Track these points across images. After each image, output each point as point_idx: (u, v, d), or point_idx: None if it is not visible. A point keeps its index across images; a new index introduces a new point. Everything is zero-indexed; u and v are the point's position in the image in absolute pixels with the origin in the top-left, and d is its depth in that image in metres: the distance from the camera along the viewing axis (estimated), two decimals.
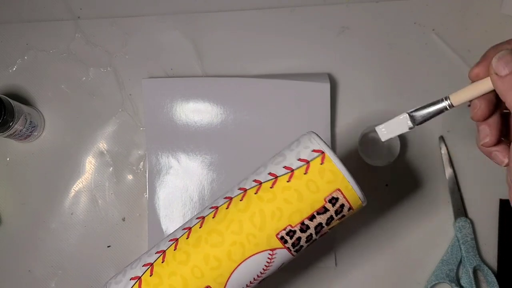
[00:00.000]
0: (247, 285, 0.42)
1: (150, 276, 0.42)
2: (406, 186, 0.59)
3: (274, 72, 0.60)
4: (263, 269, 0.41)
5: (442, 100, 0.37)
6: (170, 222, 0.58)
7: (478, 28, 0.60)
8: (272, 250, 0.41)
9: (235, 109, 0.58)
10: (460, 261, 0.57)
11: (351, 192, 0.40)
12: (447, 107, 0.36)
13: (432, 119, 0.38)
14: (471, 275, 0.56)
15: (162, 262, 0.42)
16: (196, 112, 0.58)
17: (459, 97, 0.35)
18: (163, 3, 0.61)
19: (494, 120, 0.34)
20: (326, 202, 0.40)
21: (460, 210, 0.58)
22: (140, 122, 0.60)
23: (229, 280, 0.41)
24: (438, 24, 0.60)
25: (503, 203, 0.58)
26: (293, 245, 0.41)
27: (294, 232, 0.40)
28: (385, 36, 0.60)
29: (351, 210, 0.41)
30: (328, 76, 0.58)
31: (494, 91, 0.34)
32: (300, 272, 0.58)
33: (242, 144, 0.58)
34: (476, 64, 0.35)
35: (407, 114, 0.39)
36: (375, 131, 0.57)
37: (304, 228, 0.40)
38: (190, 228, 0.43)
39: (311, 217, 0.40)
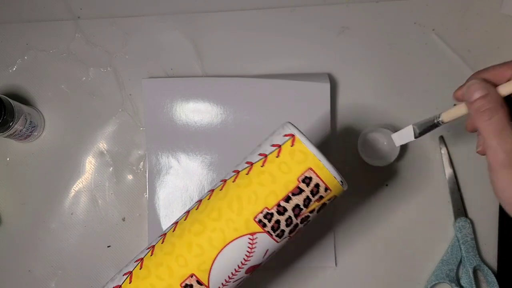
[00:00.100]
0: (232, 273, 0.42)
1: (140, 269, 0.44)
2: (406, 186, 0.59)
3: (274, 72, 0.60)
4: (246, 255, 0.41)
5: (436, 117, 0.43)
6: (170, 222, 0.58)
7: (478, 28, 0.60)
8: (252, 234, 0.41)
9: (235, 109, 0.58)
10: (460, 261, 0.57)
11: (323, 170, 0.40)
12: (440, 123, 0.43)
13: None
14: (471, 275, 0.56)
15: (151, 255, 0.44)
16: (196, 112, 0.58)
17: (448, 115, 0.41)
18: (163, 3, 0.61)
19: None
20: (299, 182, 0.40)
21: (460, 210, 0.58)
22: (140, 122, 0.60)
23: (212, 267, 0.42)
24: (438, 24, 0.60)
25: None
26: (273, 228, 0.41)
27: (272, 214, 0.41)
28: (385, 36, 0.60)
29: (328, 191, 0.41)
30: (328, 76, 0.58)
31: None
32: (300, 272, 0.59)
33: (242, 144, 0.58)
34: (458, 88, 0.40)
35: (412, 126, 0.45)
36: (375, 131, 0.58)
37: (281, 210, 0.41)
38: (176, 223, 0.45)
39: (287, 198, 0.41)
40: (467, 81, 0.39)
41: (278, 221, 0.41)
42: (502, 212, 0.58)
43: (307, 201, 0.41)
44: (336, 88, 0.59)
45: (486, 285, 0.57)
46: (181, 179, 0.59)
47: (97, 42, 0.61)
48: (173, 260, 0.42)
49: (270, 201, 0.41)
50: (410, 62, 0.60)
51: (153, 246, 0.45)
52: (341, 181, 0.41)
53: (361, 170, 0.59)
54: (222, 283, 0.42)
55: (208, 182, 0.58)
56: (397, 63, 0.60)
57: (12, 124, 0.54)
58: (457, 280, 0.57)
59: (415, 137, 0.45)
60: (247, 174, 0.42)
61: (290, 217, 0.41)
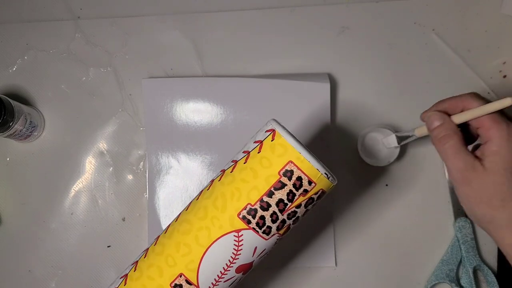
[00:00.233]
0: (221, 272, 0.42)
1: (134, 271, 0.44)
2: (406, 186, 0.59)
3: (274, 72, 0.60)
4: (233, 253, 0.41)
5: (411, 131, 0.50)
6: (170, 222, 0.58)
7: (478, 28, 0.60)
8: (237, 231, 0.41)
9: (235, 109, 0.58)
10: (460, 261, 0.57)
11: (304, 162, 0.40)
12: (414, 136, 0.50)
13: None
14: (471, 275, 0.56)
15: (144, 258, 0.45)
16: (196, 112, 0.58)
17: (419, 131, 0.48)
18: (163, 3, 0.61)
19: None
20: (281, 176, 0.40)
21: (460, 210, 0.58)
22: (140, 122, 0.60)
23: (200, 266, 0.41)
24: (438, 24, 0.60)
25: None
26: (258, 225, 0.41)
27: (255, 210, 0.40)
28: (385, 36, 0.60)
29: (313, 184, 0.40)
30: (328, 76, 0.58)
31: None
32: (300, 272, 0.59)
33: (242, 144, 0.58)
34: (425, 111, 0.46)
35: (395, 135, 0.54)
36: (375, 131, 0.58)
37: (264, 205, 0.40)
38: (169, 225, 0.45)
39: (269, 193, 0.40)
40: (432, 107, 0.46)
41: (262, 217, 0.41)
42: None
43: (290, 195, 0.40)
44: (336, 88, 0.59)
45: (486, 285, 0.57)
46: (181, 179, 0.59)
47: (97, 42, 0.61)
48: (163, 261, 0.43)
49: (253, 197, 0.40)
50: (410, 62, 0.60)
51: (147, 249, 0.46)
52: (326, 174, 0.40)
53: (361, 170, 0.59)
54: (212, 283, 0.42)
55: (208, 182, 0.58)
56: (397, 63, 0.60)
57: (12, 124, 0.54)
58: (457, 280, 0.57)
59: (399, 144, 0.54)
60: (231, 172, 0.42)
61: (275, 212, 0.41)
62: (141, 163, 0.60)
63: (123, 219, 0.59)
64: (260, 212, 0.40)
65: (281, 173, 0.40)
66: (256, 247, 0.42)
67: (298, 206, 0.41)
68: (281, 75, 0.59)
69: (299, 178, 0.40)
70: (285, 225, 0.42)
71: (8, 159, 0.60)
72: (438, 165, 0.59)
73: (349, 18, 0.60)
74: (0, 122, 0.52)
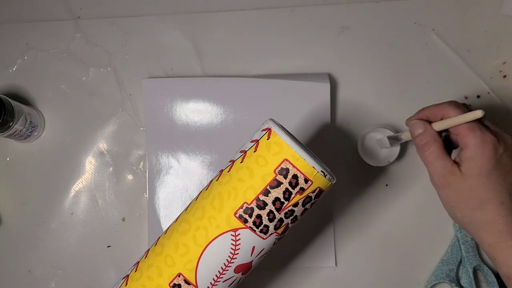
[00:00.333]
0: (219, 272, 0.42)
1: (135, 272, 0.45)
2: (406, 186, 0.59)
3: (274, 72, 0.60)
4: (231, 253, 0.41)
5: (400, 135, 0.52)
6: (170, 222, 0.58)
7: (478, 28, 0.60)
8: (234, 230, 0.41)
9: (235, 109, 0.58)
10: (460, 261, 0.57)
11: (300, 160, 0.40)
12: (401, 139, 0.53)
13: None
14: (471, 275, 0.56)
15: (145, 258, 0.45)
16: (196, 112, 0.58)
17: (405, 136, 0.50)
18: (163, 3, 0.61)
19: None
20: (276, 174, 0.40)
21: None
22: (140, 122, 0.60)
23: (198, 266, 0.41)
24: (438, 24, 0.60)
25: None
26: (255, 224, 0.41)
27: (252, 209, 0.40)
28: (385, 36, 0.60)
29: (309, 182, 0.40)
30: (328, 76, 0.58)
31: None
32: (300, 272, 0.59)
33: (242, 144, 0.58)
34: (410, 117, 0.48)
35: (386, 137, 0.55)
36: (375, 131, 0.58)
37: (260, 204, 0.40)
38: (169, 226, 0.45)
39: (265, 192, 0.40)
40: (415, 114, 0.48)
41: (259, 216, 0.40)
42: None
43: (287, 193, 0.40)
44: (336, 88, 0.59)
45: (486, 285, 0.57)
46: (181, 179, 0.59)
47: (97, 42, 0.61)
48: (162, 261, 0.43)
49: (249, 196, 0.40)
50: (410, 62, 0.60)
51: (148, 250, 0.46)
52: (323, 172, 0.40)
53: (361, 170, 0.59)
54: (211, 283, 0.42)
55: (208, 182, 0.58)
56: (397, 63, 0.60)
57: (12, 124, 0.54)
58: (457, 280, 0.57)
59: (390, 146, 0.55)
60: (228, 171, 0.42)
61: (271, 211, 0.40)
62: (141, 163, 0.60)
63: (123, 219, 0.59)
64: (256, 211, 0.40)
65: (277, 171, 0.40)
66: (254, 247, 0.42)
67: (296, 205, 0.41)
68: (281, 75, 0.59)
69: (295, 176, 0.40)
70: (283, 224, 0.41)
71: (8, 159, 0.60)
72: None
73: (349, 18, 0.60)
74: (0, 122, 0.52)
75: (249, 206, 0.40)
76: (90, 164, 0.60)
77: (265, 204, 0.40)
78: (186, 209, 0.45)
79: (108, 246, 0.59)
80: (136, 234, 0.59)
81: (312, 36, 0.60)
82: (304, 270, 0.59)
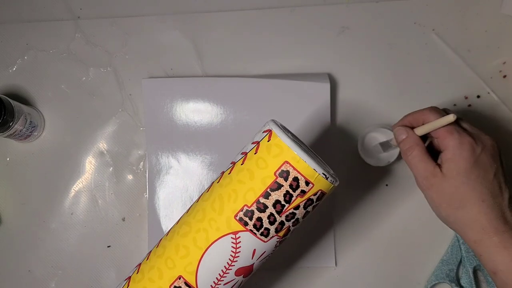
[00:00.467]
0: (220, 274, 0.42)
1: (137, 273, 0.45)
2: (406, 186, 0.59)
3: (274, 72, 0.60)
4: (231, 255, 0.41)
5: (390, 140, 0.54)
6: (170, 222, 0.58)
7: (478, 28, 0.60)
8: (234, 233, 0.41)
9: (235, 109, 0.58)
10: (460, 261, 0.57)
11: (300, 163, 0.39)
12: (392, 145, 0.54)
13: None
14: (471, 275, 0.56)
15: (147, 260, 0.45)
16: (196, 112, 0.58)
17: (394, 141, 0.52)
18: (163, 3, 0.61)
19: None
20: (277, 176, 0.39)
21: None
22: (140, 122, 0.60)
23: (199, 269, 0.41)
24: (438, 24, 0.60)
25: None
26: (255, 227, 0.40)
27: (252, 212, 0.40)
28: (385, 36, 0.60)
29: (310, 185, 0.40)
30: (328, 76, 0.58)
31: None
32: (300, 272, 0.59)
33: (242, 144, 0.58)
34: (396, 123, 0.51)
35: (378, 144, 0.57)
36: (375, 131, 0.58)
37: (261, 206, 0.40)
38: (171, 228, 0.45)
39: (266, 195, 0.40)
40: (400, 121, 0.51)
41: (260, 219, 0.40)
42: None
43: (288, 196, 0.40)
44: (336, 88, 0.59)
45: (486, 285, 0.57)
46: (181, 179, 0.59)
47: (97, 42, 0.61)
48: (163, 263, 0.43)
49: (249, 198, 0.40)
50: (410, 62, 0.60)
51: (150, 252, 0.46)
52: (324, 174, 0.40)
53: (361, 170, 0.59)
54: (211, 285, 0.42)
55: (208, 182, 0.58)
56: (397, 63, 0.60)
57: (12, 124, 0.54)
58: (457, 280, 0.57)
59: (384, 152, 0.57)
60: (229, 173, 0.42)
61: (272, 214, 0.40)
62: (141, 163, 0.60)
63: (123, 219, 0.59)
64: (257, 214, 0.40)
65: (277, 173, 0.39)
66: (255, 250, 0.41)
67: (297, 208, 0.41)
68: (281, 75, 0.59)
69: (296, 179, 0.39)
70: (284, 227, 0.41)
71: (8, 159, 0.60)
72: None
73: (349, 18, 0.60)
74: (0, 122, 0.52)
75: (249, 209, 0.40)
76: (90, 164, 0.60)
77: (266, 207, 0.40)
78: (188, 211, 0.45)
79: (108, 246, 0.59)
80: (136, 234, 0.59)
81: (312, 36, 0.60)
82: (304, 270, 0.59)
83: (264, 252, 0.42)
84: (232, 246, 0.41)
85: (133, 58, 0.61)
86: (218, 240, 0.41)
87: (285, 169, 0.39)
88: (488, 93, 0.59)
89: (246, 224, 0.40)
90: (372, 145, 0.57)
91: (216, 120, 0.58)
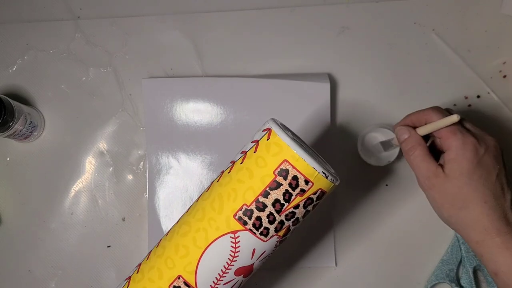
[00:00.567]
0: (219, 274, 0.41)
1: (137, 273, 0.45)
2: (406, 186, 0.59)
3: (274, 72, 0.60)
4: (230, 255, 0.41)
5: (391, 140, 0.54)
6: (170, 222, 0.58)
7: (478, 28, 0.60)
8: (233, 233, 0.40)
9: (235, 109, 0.58)
10: (460, 261, 0.57)
11: (300, 161, 0.39)
12: (394, 144, 0.54)
13: None
14: (471, 275, 0.56)
15: (147, 260, 0.45)
16: (196, 112, 0.58)
17: (395, 141, 0.52)
18: (163, 3, 0.61)
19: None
20: (276, 175, 0.39)
21: None
22: (140, 122, 0.60)
23: (198, 268, 0.41)
24: (438, 24, 0.60)
25: None
26: (255, 226, 0.40)
27: (251, 211, 0.40)
28: (385, 36, 0.60)
29: (310, 184, 0.39)
30: (328, 76, 0.58)
31: None
32: (300, 272, 0.59)
33: (242, 144, 0.58)
34: (398, 123, 0.50)
35: (379, 143, 0.57)
36: (375, 131, 0.58)
37: (260, 206, 0.40)
38: (171, 228, 0.45)
39: (265, 194, 0.40)
40: (402, 120, 0.50)
41: (259, 218, 0.40)
42: None
43: (287, 195, 0.39)
44: (336, 88, 0.59)
45: (486, 285, 0.57)
46: (181, 179, 0.59)
47: (97, 42, 0.61)
48: (163, 263, 0.43)
49: (248, 197, 0.40)
50: (410, 62, 0.60)
51: (150, 252, 0.46)
52: (324, 173, 0.39)
53: (361, 170, 0.59)
54: (211, 285, 0.42)
55: (208, 182, 0.58)
56: (397, 63, 0.60)
57: (12, 124, 0.54)
58: (457, 280, 0.57)
59: (385, 151, 0.56)
60: (228, 172, 0.42)
61: (271, 213, 0.40)
62: (141, 163, 0.60)
63: (123, 219, 0.59)
64: (256, 213, 0.40)
65: (276, 172, 0.39)
66: (254, 249, 0.41)
67: (296, 207, 0.40)
68: (281, 75, 0.59)
69: (295, 178, 0.39)
70: (284, 226, 0.41)
71: (8, 159, 0.60)
72: None
73: (349, 18, 0.60)
74: (0, 122, 0.52)
75: (248, 208, 0.40)
76: (90, 164, 0.60)
77: (265, 206, 0.40)
78: (187, 210, 0.45)
79: (108, 246, 0.59)
80: (136, 234, 0.59)
81: (312, 36, 0.60)
82: (304, 270, 0.59)
83: (264, 252, 0.42)
84: (231, 246, 0.41)
85: (133, 58, 0.61)
86: (217, 240, 0.41)
87: (284, 168, 0.39)
88: (488, 93, 0.59)
89: (245, 223, 0.40)
90: (372, 144, 0.57)
91: (216, 120, 0.58)
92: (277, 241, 0.42)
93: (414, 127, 0.48)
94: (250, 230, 0.40)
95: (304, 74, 0.59)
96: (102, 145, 0.60)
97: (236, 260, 0.41)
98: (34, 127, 0.58)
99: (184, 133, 0.58)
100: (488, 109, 0.59)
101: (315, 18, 0.60)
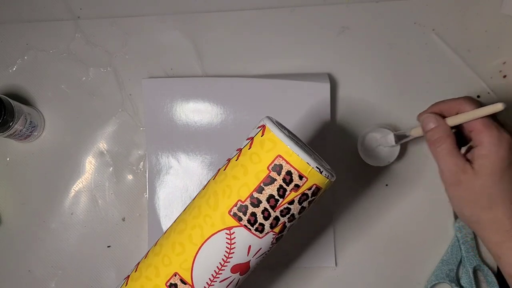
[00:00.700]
0: (215, 271, 0.41)
1: (135, 272, 0.45)
2: (406, 186, 0.59)
3: (274, 72, 0.60)
4: (226, 252, 0.41)
5: (408, 131, 0.51)
6: (170, 222, 0.58)
7: (478, 28, 0.60)
8: (228, 229, 0.40)
9: (235, 109, 0.58)
10: (460, 261, 0.57)
11: (293, 156, 0.39)
12: (411, 136, 0.51)
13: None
14: (471, 275, 0.56)
15: (145, 259, 0.45)
16: (196, 112, 0.58)
17: (414, 132, 0.50)
18: (163, 3, 0.61)
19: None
20: (270, 170, 0.39)
21: None
22: (140, 122, 0.60)
23: (194, 265, 0.41)
24: (438, 24, 0.60)
25: None
26: (250, 222, 0.40)
27: (246, 207, 0.40)
28: (385, 36, 0.60)
29: (304, 179, 0.39)
30: (328, 76, 0.58)
31: None
32: (300, 272, 0.59)
33: (242, 144, 0.58)
34: (422, 112, 0.47)
35: (393, 134, 0.55)
36: (375, 131, 0.58)
37: (254, 201, 0.40)
38: (169, 227, 0.45)
39: (259, 189, 0.40)
40: (429, 108, 0.47)
41: (254, 214, 0.40)
42: None
43: (281, 190, 0.39)
44: (336, 88, 0.59)
45: (486, 285, 0.57)
46: (181, 179, 0.59)
47: (97, 42, 0.61)
48: (160, 260, 0.43)
49: (243, 193, 0.40)
50: (410, 62, 0.60)
51: (148, 251, 0.46)
52: (318, 168, 0.39)
53: (361, 170, 0.59)
54: (207, 282, 0.42)
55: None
56: (397, 63, 0.60)
57: (12, 124, 0.54)
58: (457, 280, 0.57)
59: (396, 143, 0.54)
60: (224, 170, 0.42)
61: (266, 209, 0.40)
62: (141, 163, 0.60)
63: (123, 219, 0.59)
64: (251, 209, 0.40)
65: (270, 168, 0.39)
66: (250, 246, 0.41)
67: (291, 203, 0.40)
68: (281, 75, 0.59)
69: (289, 173, 0.39)
70: (279, 222, 0.41)
71: (8, 159, 0.60)
72: None
73: (349, 18, 0.60)
74: (0, 122, 0.52)
75: (243, 204, 0.40)
76: (90, 164, 0.60)
77: (259, 201, 0.40)
78: (185, 209, 0.45)
79: (108, 246, 0.59)
80: (136, 234, 0.59)
81: (312, 36, 0.60)
82: (304, 270, 0.59)
83: (260, 249, 0.42)
84: (226, 242, 0.41)
85: (133, 58, 0.61)
86: (213, 236, 0.41)
87: (278, 163, 0.39)
88: (488, 93, 0.59)
89: (240, 219, 0.40)
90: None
91: (216, 120, 0.58)
92: (273, 238, 0.42)
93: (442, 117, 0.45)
94: (245, 226, 0.40)
95: (304, 74, 0.59)
96: (102, 145, 0.60)
97: (232, 257, 0.41)
98: (34, 127, 0.58)
99: (184, 133, 0.58)
100: None
101: (315, 18, 0.60)
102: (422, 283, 0.58)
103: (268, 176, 0.39)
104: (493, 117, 0.43)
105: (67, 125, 0.60)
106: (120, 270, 0.59)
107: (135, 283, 0.44)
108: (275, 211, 0.40)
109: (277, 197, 0.40)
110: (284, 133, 0.40)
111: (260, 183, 0.40)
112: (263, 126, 0.41)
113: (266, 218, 0.40)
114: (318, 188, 0.41)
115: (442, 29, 0.60)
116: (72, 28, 0.61)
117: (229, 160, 0.43)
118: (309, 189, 0.40)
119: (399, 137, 0.54)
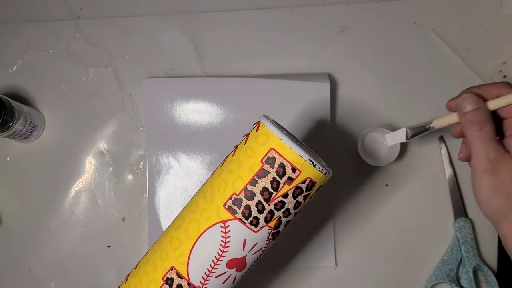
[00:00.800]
0: (211, 265, 0.42)
1: (135, 269, 0.45)
2: (406, 186, 0.59)
3: (274, 72, 0.60)
4: (221, 245, 0.41)
5: (428, 123, 0.48)
6: (170, 222, 0.58)
7: (478, 28, 0.60)
8: (223, 222, 0.41)
9: (235, 109, 0.58)
10: (460, 261, 0.57)
11: (286, 149, 0.39)
12: (431, 128, 0.48)
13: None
14: (471, 275, 0.56)
15: (145, 256, 0.46)
16: (196, 112, 0.58)
17: (439, 123, 0.47)
18: (163, 3, 0.61)
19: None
20: (263, 163, 0.40)
21: (460, 210, 0.58)
22: (140, 122, 0.60)
23: (190, 259, 0.41)
24: (438, 24, 0.60)
25: None
26: (244, 215, 0.40)
27: (240, 200, 0.40)
28: (385, 36, 0.60)
29: (297, 172, 0.39)
30: (328, 76, 0.58)
31: None
32: (300, 272, 0.59)
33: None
34: (452, 99, 0.45)
35: (405, 128, 0.51)
36: (375, 131, 0.58)
37: (248, 194, 0.40)
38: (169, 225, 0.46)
39: (253, 182, 0.40)
40: (461, 94, 0.44)
41: (248, 207, 0.40)
42: None
43: (275, 183, 0.40)
44: (336, 88, 0.59)
45: (486, 285, 0.57)
46: (181, 179, 0.59)
47: (97, 42, 0.61)
48: (158, 255, 0.43)
49: (237, 187, 0.40)
50: (410, 62, 0.60)
51: (149, 249, 0.46)
52: (311, 161, 0.39)
53: (361, 170, 0.59)
54: (203, 277, 0.42)
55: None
56: (397, 63, 0.60)
57: (12, 124, 0.54)
58: (457, 280, 0.57)
59: (407, 139, 0.51)
60: (221, 166, 0.43)
61: (260, 202, 0.40)
62: (141, 163, 0.60)
63: (123, 219, 0.59)
64: (245, 202, 0.40)
65: (264, 160, 0.40)
66: (245, 240, 0.41)
67: (285, 196, 0.40)
68: (281, 75, 0.59)
69: (282, 165, 0.39)
70: (274, 217, 0.41)
71: (8, 159, 0.60)
72: (438, 165, 0.59)
73: (349, 18, 0.60)
74: (0, 122, 0.52)
75: (237, 197, 0.40)
76: (90, 164, 0.60)
77: (253, 194, 0.40)
78: (184, 206, 0.45)
79: (108, 246, 0.59)
80: (136, 234, 0.59)
81: (312, 36, 0.60)
82: (304, 270, 0.59)
83: (256, 243, 0.42)
84: (221, 236, 0.41)
85: (133, 58, 0.61)
86: (208, 230, 0.41)
87: (271, 156, 0.39)
88: None
89: (235, 212, 0.40)
90: (373, 146, 0.57)
91: (216, 120, 0.58)
92: (268, 233, 0.42)
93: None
94: (240, 219, 0.40)
95: (304, 74, 0.59)
96: (102, 145, 0.60)
97: (227, 251, 0.41)
98: (34, 127, 0.58)
99: (184, 133, 0.58)
100: None
101: (315, 18, 0.60)
102: (422, 283, 0.58)
103: (262, 168, 0.40)
104: None
105: (67, 125, 0.60)
106: (120, 270, 0.59)
107: (134, 279, 0.44)
108: (269, 204, 0.40)
109: (270, 189, 0.40)
110: (278, 128, 0.41)
111: (254, 175, 0.40)
112: (258, 122, 0.42)
113: (260, 212, 0.40)
114: (312, 183, 0.40)
115: (442, 29, 0.60)
116: (72, 28, 0.61)
117: (226, 157, 0.44)
118: (303, 182, 0.40)
119: (414, 131, 0.51)
